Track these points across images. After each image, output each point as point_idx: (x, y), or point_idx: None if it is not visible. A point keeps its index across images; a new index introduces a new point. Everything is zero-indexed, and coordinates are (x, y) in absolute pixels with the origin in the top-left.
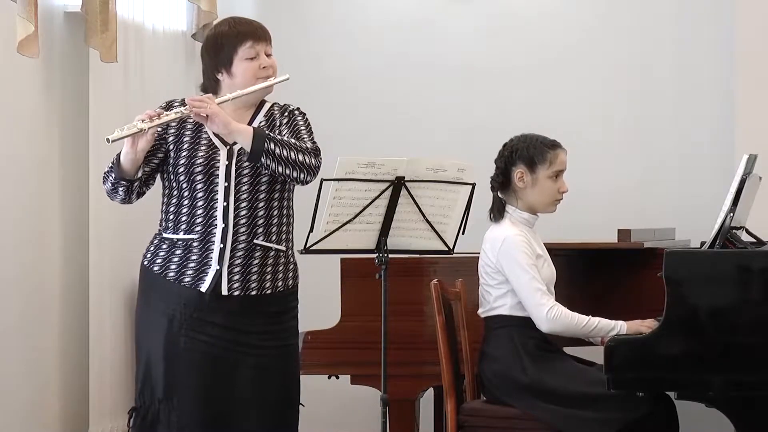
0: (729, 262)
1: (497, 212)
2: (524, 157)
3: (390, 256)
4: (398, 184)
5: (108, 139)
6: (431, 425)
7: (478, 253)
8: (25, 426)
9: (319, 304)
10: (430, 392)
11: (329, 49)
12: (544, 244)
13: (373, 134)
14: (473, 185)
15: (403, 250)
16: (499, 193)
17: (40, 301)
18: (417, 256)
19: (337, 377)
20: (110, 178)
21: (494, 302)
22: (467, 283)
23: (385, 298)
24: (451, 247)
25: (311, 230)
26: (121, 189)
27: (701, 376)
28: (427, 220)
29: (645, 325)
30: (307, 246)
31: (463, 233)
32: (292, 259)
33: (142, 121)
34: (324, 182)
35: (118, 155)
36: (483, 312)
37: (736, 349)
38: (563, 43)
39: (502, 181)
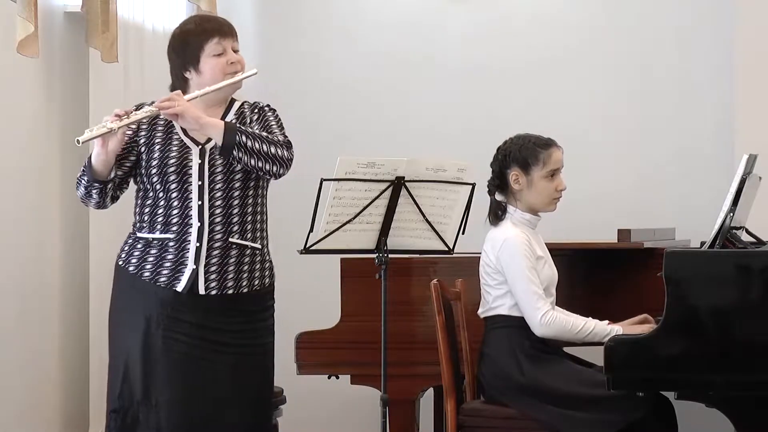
0: (729, 262)
1: (494, 216)
2: (517, 159)
3: (390, 256)
4: (398, 184)
5: (78, 141)
6: (431, 425)
7: (478, 253)
8: (26, 426)
9: (319, 304)
10: (430, 392)
11: (328, 49)
12: (545, 244)
13: (373, 134)
14: (473, 185)
15: (403, 250)
16: (497, 196)
17: (40, 301)
18: (417, 256)
19: (337, 377)
20: (83, 182)
21: (493, 302)
22: (467, 283)
23: (385, 298)
24: (451, 247)
25: (311, 230)
26: (94, 192)
27: (701, 376)
28: (427, 220)
29: (640, 329)
30: (307, 246)
31: (463, 233)
32: (267, 258)
33: (111, 121)
34: (324, 182)
35: (90, 158)
36: (482, 312)
37: (736, 349)
38: (563, 43)
39: (498, 184)
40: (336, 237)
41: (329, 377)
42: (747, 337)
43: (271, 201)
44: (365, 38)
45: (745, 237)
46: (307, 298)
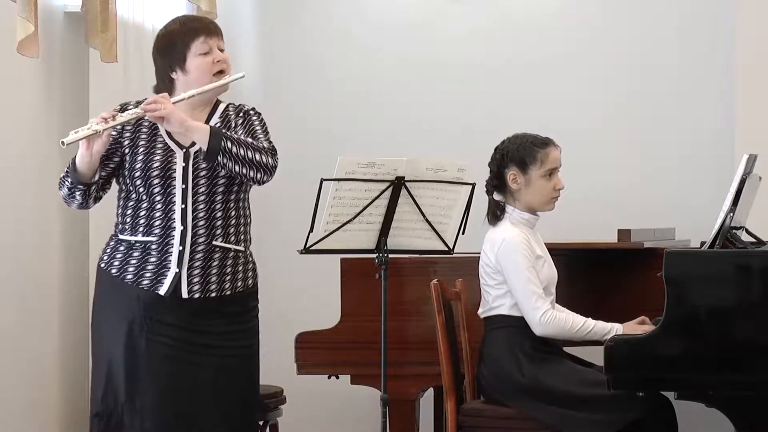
0: (729, 262)
1: (493, 216)
2: (515, 158)
3: (390, 256)
4: (398, 184)
5: (63, 142)
6: (431, 425)
7: (478, 253)
8: (25, 426)
9: (319, 304)
10: (430, 392)
11: (329, 50)
12: (545, 244)
13: (373, 134)
14: (473, 185)
15: (403, 250)
16: (495, 196)
17: (40, 301)
18: (417, 256)
19: (337, 377)
20: (66, 183)
21: (493, 302)
22: (467, 283)
23: (385, 298)
24: (451, 247)
25: (311, 230)
26: (78, 193)
27: (701, 376)
28: (427, 220)
29: (641, 329)
30: (307, 246)
31: (463, 233)
32: (250, 259)
33: (97, 123)
34: (324, 182)
35: (74, 159)
36: (482, 312)
37: (736, 349)
38: (563, 43)
39: (497, 184)
40: (336, 237)
41: (329, 377)
42: (747, 337)
43: (270, 201)
44: (365, 38)
45: (745, 237)
46: (307, 298)
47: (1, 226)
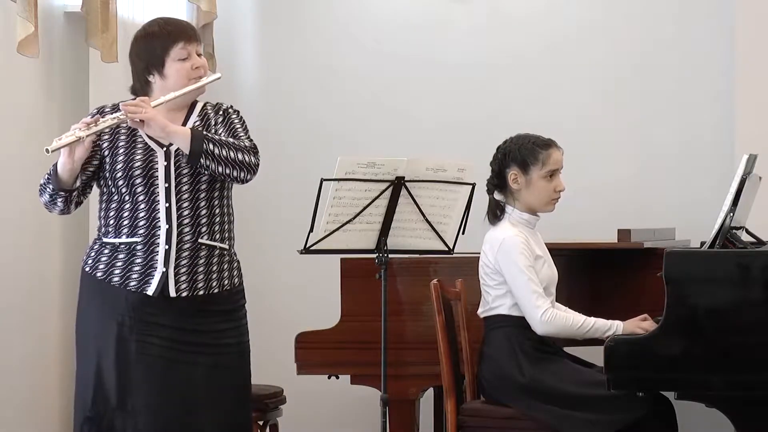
0: (729, 262)
1: (493, 215)
2: (516, 158)
3: (390, 256)
4: (398, 184)
5: (47, 150)
6: (431, 425)
7: (478, 253)
8: (26, 425)
9: (319, 304)
10: (430, 392)
11: (329, 50)
12: (545, 244)
13: (373, 134)
14: (473, 185)
15: (403, 250)
16: (496, 195)
17: (41, 300)
18: (417, 256)
19: (337, 377)
20: (48, 190)
21: (493, 302)
22: (467, 283)
23: (385, 298)
24: (451, 247)
25: (311, 230)
26: (60, 200)
27: (701, 376)
28: (427, 220)
29: (642, 326)
30: (307, 246)
31: (463, 233)
32: (235, 257)
33: (80, 129)
34: (324, 182)
35: (55, 166)
36: (482, 312)
37: (736, 349)
38: (563, 42)
39: (497, 183)
40: (336, 237)
41: (329, 377)
42: (747, 337)
43: (270, 201)
44: (365, 38)
45: (745, 237)
46: (307, 298)
47: (1, 226)
